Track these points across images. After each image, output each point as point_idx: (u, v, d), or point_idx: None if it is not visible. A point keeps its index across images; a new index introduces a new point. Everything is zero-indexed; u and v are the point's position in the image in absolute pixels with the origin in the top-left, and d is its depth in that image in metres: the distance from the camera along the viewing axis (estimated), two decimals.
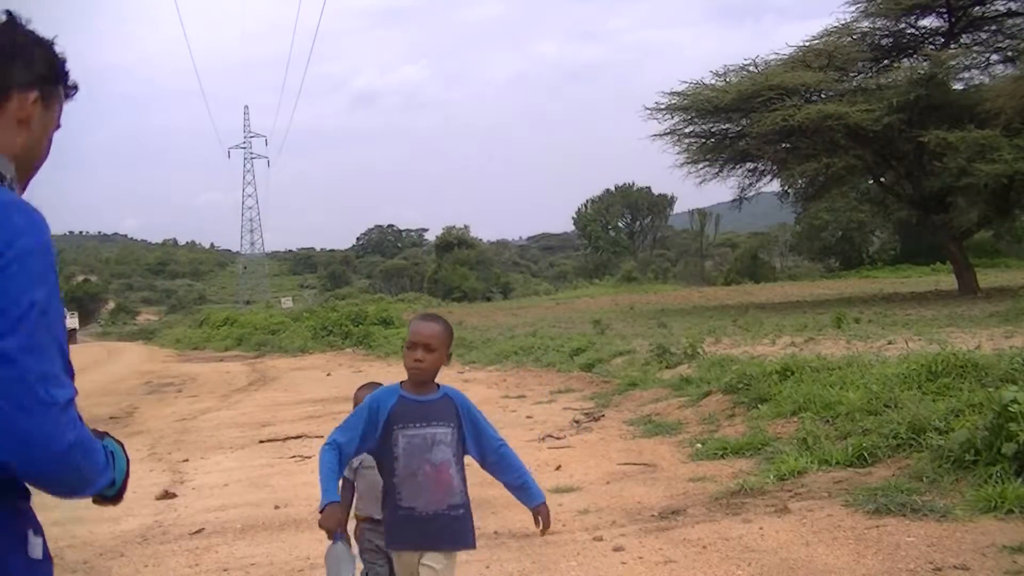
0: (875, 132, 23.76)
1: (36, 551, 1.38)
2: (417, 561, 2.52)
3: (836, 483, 5.24)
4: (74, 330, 47.31)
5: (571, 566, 4.18)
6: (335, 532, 2.39)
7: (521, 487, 2.66)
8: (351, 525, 2.92)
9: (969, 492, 4.58)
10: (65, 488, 1.36)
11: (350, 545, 2.44)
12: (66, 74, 1.52)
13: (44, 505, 1.43)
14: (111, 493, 1.48)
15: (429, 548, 2.50)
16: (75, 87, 1.56)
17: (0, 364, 1.24)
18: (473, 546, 2.60)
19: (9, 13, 1.45)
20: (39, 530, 1.40)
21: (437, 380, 2.63)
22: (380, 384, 3.06)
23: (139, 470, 6.69)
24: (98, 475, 1.40)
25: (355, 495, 3.01)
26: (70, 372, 1.33)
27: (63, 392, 1.28)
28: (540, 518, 2.60)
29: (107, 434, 1.53)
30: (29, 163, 1.47)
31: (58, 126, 1.54)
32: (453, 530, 2.51)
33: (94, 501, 1.51)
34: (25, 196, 1.47)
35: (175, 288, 77.20)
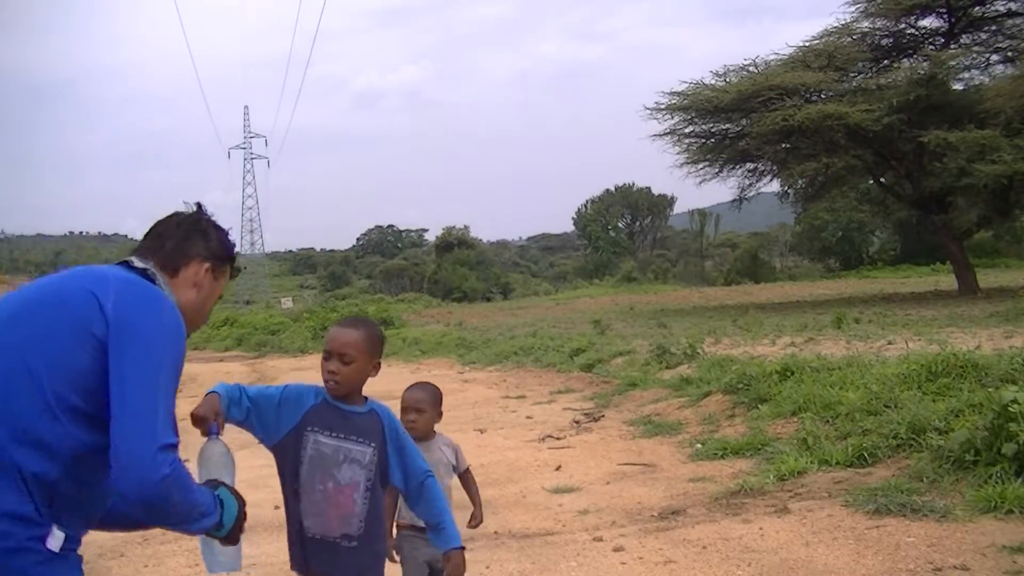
0: (875, 132, 23.79)
1: (55, 544, 1.59)
2: None
3: (836, 483, 5.24)
4: None
5: (571, 566, 4.18)
6: (210, 424, 1.97)
7: (437, 527, 2.30)
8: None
9: (969, 492, 4.58)
10: (166, 516, 1.67)
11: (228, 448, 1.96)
12: (233, 257, 1.98)
13: None
14: (220, 534, 1.80)
15: None
16: (239, 270, 2.05)
17: (121, 412, 1.60)
18: None
19: (199, 204, 1.97)
20: (63, 525, 1.62)
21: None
22: (430, 384, 2.98)
23: None
24: (200, 515, 1.72)
25: (399, 499, 2.74)
26: (175, 429, 1.67)
27: (165, 437, 1.62)
28: (449, 565, 2.28)
29: (222, 484, 1.87)
30: (192, 319, 1.89)
31: (220, 296, 1.98)
32: (345, 566, 2.15)
33: (209, 535, 1.83)
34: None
35: None
